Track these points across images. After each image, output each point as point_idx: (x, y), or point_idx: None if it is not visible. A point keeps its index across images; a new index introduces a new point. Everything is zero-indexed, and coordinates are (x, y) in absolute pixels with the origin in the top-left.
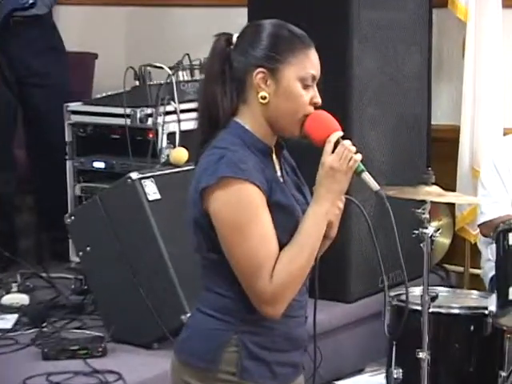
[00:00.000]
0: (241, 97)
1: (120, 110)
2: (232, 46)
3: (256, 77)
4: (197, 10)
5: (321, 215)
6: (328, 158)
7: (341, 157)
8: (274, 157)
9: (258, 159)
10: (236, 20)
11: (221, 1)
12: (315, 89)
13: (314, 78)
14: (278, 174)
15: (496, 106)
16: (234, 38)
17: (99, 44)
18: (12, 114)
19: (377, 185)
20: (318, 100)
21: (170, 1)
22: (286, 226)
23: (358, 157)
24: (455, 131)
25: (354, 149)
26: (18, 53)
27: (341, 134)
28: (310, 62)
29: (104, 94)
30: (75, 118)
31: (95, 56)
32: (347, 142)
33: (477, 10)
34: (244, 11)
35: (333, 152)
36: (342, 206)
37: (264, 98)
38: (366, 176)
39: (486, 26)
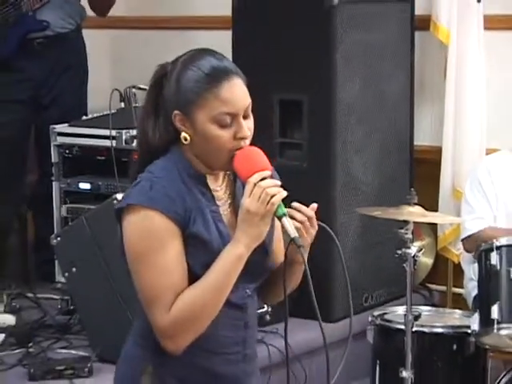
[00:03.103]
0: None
1: (106, 132)
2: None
3: (175, 119)
4: (181, 33)
5: (234, 257)
6: (246, 201)
7: (258, 199)
8: (221, 183)
9: (184, 186)
10: (221, 43)
11: (206, 24)
12: (240, 122)
13: (231, 114)
14: (220, 202)
15: (478, 128)
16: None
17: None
18: (25, 134)
19: (295, 231)
20: (244, 134)
21: (155, 24)
22: (202, 260)
23: (278, 198)
24: (437, 152)
25: (275, 190)
26: (36, 72)
27: (267, 173)
28: (221, 101)
29: (90, 116)
30: (62, 140)
31: None
32: (267, 183)
33: (458, 32)
34: (229, 34)
35: None
36: (313, 232)
37: (186, 139)
38: (286, 221)
39: (467, 49)
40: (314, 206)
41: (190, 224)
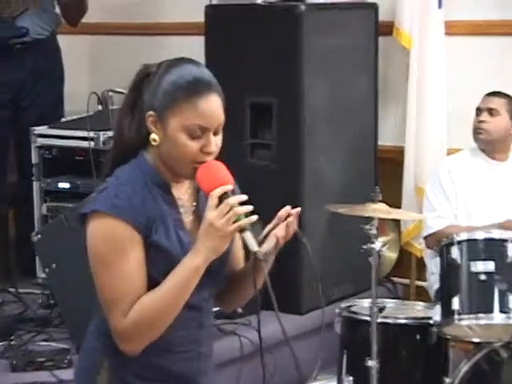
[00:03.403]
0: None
1: (84, 134)
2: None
3: (148, 119)
4: (155, 39)
5: (191, 268)
6: (210, 214)
7: (223, 216)
8: (185, 191)
9: (148, 193)
10: (193, 48)
11: (179, 30)
12: (210, 137)
13: (203, 128)
14: (183, 210)
15: (439, 128)
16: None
17: (64, 70)
18: (5, 136)
19: (256, 246)
20: (210, 149)
21: (131, 30)
22: (162, 267)
23: (245, 223)
24: (400, 152)
25: (242, 210)
26: (15, 76)
27: (229, 188)
28: (196, 113)
29: (69, 118)
30: (42, 141)
31: None
32: (234, 200)
33: (420, 38)
34: (201, 40)
35: (218, 207)
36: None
37: (154, 140)
38: (247, 236)
39: (428, 53)
40: (288, 209)
41: (152, 233)
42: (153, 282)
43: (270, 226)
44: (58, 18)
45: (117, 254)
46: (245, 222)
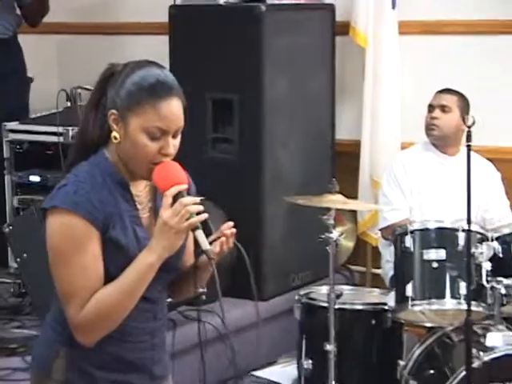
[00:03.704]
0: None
1: (53, 129)
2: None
3: (110, 117)
4: (121, 38)
5: (146, 265)
6: (164, 213)
7: (176, 215)
8: (142, 189)
9: (107, 190)
10: (157, 47)
11: (144, 29)
12: (168, 140)
13: (162, 130)
14: (140, 206)
15: (393, 123)
16: None
17: (34, 69)
18: None
19: (207, 244)
20: (168, 151)
21: (98, 29)
22: (118, 263)
23: (196, 220)
24: (356, 145)
25: (194, 208)
26: None
27: (184, 187)
28: (158, 116)
29: (39, 114)
30: (13, 136)
31: (31, 79)
32: (188, 200)
33: (375, 37)
34: (166, 39)
35: (172, 206)
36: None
37: (115, 138)
38: (200, 234)
39: (383, 51)
40: (230, 224)
41: (109, 229)
42: (109, 277)
43: (213, 237)
44: (20, 19)
45: (74, 249)
46: (195, 220)
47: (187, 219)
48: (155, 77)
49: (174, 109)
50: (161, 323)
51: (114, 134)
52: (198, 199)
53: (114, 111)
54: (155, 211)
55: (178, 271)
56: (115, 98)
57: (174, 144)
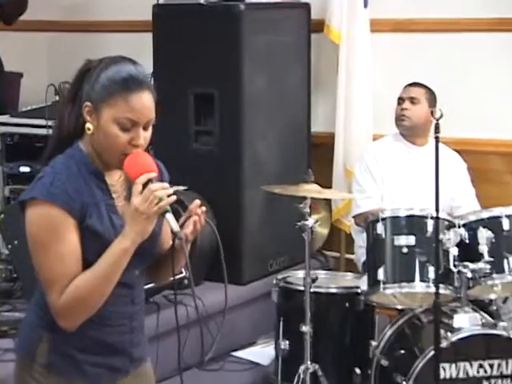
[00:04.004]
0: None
1: (43, 122)
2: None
3: (84, 109)
4: (108, 35)
5: (120, 250)
6: (134, 200)
7: (146, 200)
8: (117, 179)
9: (83, 181)
10: (141, 44)
11: (129, 27)
12: (139, 131)
13: (133, 121)
14: (116, 195)
15: (365, 116)
16: None
17: (24, 64)
18: None
19: (177, 226)
20: (138, 142)
21: (85, 27)
22: (95, 249)
23: (165, 203)
24: (331, 137)
25: (163, 193)
26: None
27: (153, 175)
28: (128, 107)
29: (29, 108)
30: (4, 129)
31: (21, 75)
32: (156, 186)
33: (348, 34)
34: (150, 36)
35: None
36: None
37: (89, 129)
38: (169, 216)
39: (356, 48)
40: (197, 202)
41: (86, 218)
42: (88, 264)
43: (183, 218)
44: None
45: (53, 237)
46: (164, 203)
47: (157, 204)
48: (128, 71)
49: (144, 101)
50: (139, 307)
51: (88, 125)
52: (166, 185)
53: (88, 103)
54: (130, 200)
55: (154, 257)
56: (89, 92)
57: (144, 136)
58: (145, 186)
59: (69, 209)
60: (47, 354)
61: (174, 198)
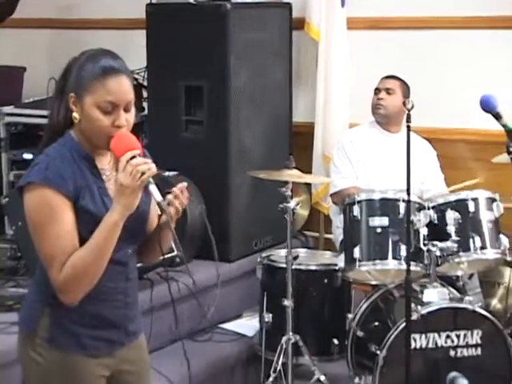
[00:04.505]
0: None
1: (44, 112)
2: None
3: (70, 100)
4: (104, 32)
5: (110, 224)
6: (119, 176)
7: (130, 175)
8: (107, 163)
9: (75, 166)
10: (136, 40)
11: (124, 25)
12: (120, 113)
13: (113, 103)
14: (106, 179)
15: (342, 107)
16: None
17: (27, 59)
18: None
19: (160, 197)
20: (120, 123)
21: (83, 24)
22: (89, 228)
23: (148, 175)
24: (311, 127)
25: (144, 167)
26: None
27: (137, 152)
28: (106, 91)
29: (31, 99)
30: (8, 119)
31: (24, 69)
32: (138, 161)
33: (327, 31)
34: (144, 33)
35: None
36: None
37: (75, 118)
38: (152, 188)
39: (334, 44)
40: (184, 184)
41: (80, 199)
42: (83, 241)
43: (169, 196)
44: None
45: (51, 218)
46: (145, 176)
47: (140, 178)
48: (106, 61)
49: (121, 84)
50: (132, 283)
51: (74, 114)
52: (148, 160)
53: (72, 94)
54: (109, 187)
55: (144, 235)
56: (72, 83)
57: (126, 117)
58: (128, 163)
59: (63, 191)
60: (48, 328)
61: (155, 170)
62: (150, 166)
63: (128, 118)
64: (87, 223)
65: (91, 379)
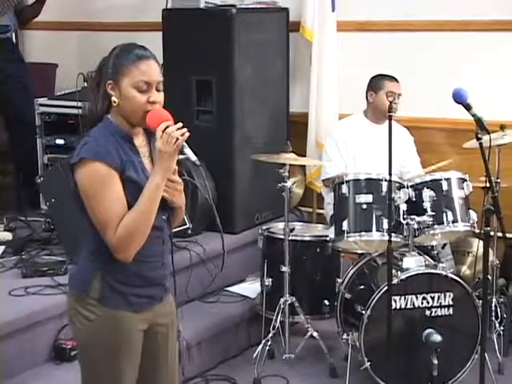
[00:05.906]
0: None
1: (74, 103)
2: None
3: (108, 87)
4: (125, 33)
5: (154, 186)
6: (158, 143)
7: (165, 142)
8: (142, 142)
9: (117, 144)
10: (154, 41)
11: (144, 27)
12: (153, 91)
13: (147, 83)
14: (142, 155)
15: (333, 99)
16: None
17: (59, 57)
18: None
19: (194, 156)
20: (154, 99)
21: (107, 27)
22: (135, 195)
23: (182, 140)
24: (305, 116)
25: (178, 133)
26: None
27: (169, 123)
28: (140, 71)
29: (63, 92)
30: (43, 109)
31: (56, 66)
32: (171, 129)
33: (319, 33)
34: (160, 35)
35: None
36: (180, 187)
37: (115, 102)
38: (187, 150)
39: (325, 45)
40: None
41: (125, 170)
42: (129, 206)
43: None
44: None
45: (103, 187)
46: (180, 141)
47: (175, 143)
48: (138, 50)
49: (151, 66)
50: (167, 247)
51: (113, 98)
52: (180, 124)
53: (110, 81)
54: (152, 158)
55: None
56: (109, 72)
57: (158, 95)
58: (164, 132)
59: (112, 164)
60: (99, 289)
61: (187, 134)
62: (182, 131)
63: (160, 98)
64: (132, 191)
65: (134, 332)
